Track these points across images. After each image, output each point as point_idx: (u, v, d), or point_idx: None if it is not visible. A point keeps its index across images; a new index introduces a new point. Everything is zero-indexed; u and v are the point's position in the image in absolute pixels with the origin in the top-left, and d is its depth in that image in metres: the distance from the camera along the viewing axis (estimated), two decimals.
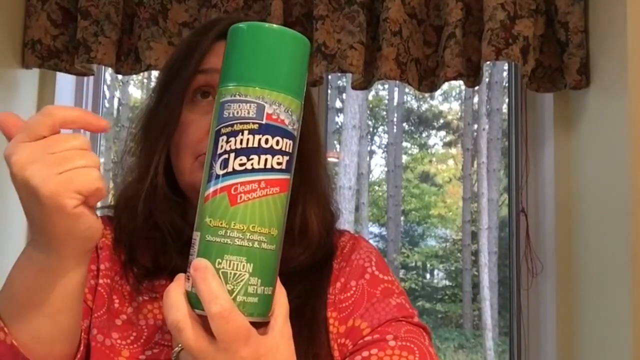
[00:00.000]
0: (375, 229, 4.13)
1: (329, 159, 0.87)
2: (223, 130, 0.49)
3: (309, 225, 0.73)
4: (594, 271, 1.45)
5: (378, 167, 4.26)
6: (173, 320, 0.47)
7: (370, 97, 4.27)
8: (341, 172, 3.75)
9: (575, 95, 1.53)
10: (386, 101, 4.34)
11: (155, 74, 1.73)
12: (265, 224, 0.48)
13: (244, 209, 0.48)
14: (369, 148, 4.13)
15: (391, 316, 0.69)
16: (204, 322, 0.47)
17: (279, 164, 0.49)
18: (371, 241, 1.13)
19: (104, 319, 0.69)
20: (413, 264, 4.22)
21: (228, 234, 0.48)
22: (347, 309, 0.72)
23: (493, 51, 1.42)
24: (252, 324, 0.47)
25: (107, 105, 3.37)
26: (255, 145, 0.48)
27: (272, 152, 0.49)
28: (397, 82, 1.48)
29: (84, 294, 0.61)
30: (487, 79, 3.79)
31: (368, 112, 4.23)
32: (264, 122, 0.49)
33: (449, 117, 4.39)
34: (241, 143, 0.48)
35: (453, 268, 4.20)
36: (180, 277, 0.50)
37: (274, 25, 0.51)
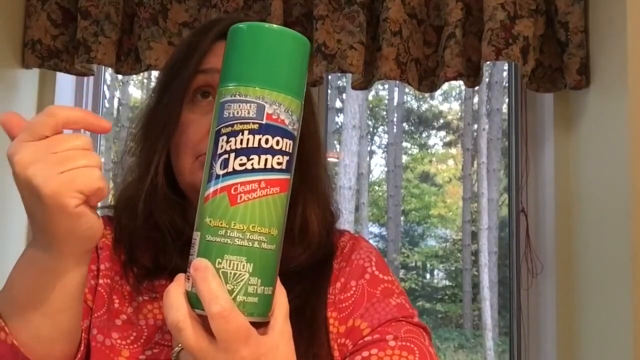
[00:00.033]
0: (375, 229, 4.13)
1: (329, 159, 0.87)
2: (223, 130, 0.49)
3: (309, 225, 0.73)
4: (594, 271, 1.45)
5: (378, 167, 4.26)
6: (173, 320, 0.47)
7: (370, 97, 4.27)
8: (341, 172, 3.75)
9: (575, 95, 1.53)
10: (386, 101, 4.34)
11: (155, 74, 1.73)
12: (265, 224, 0.49)
13: (244, 209, 0.48)
14: (369, 148, 4.13)
15: (391, 316, 0.69)
16: (204, 322, 0.47)
17: (279, 164, 0.49)
18: (371, 241, 1.13)
19: (104, 319, 0.69)
20: (413, 264, 4.22)
21: (228, 234, 0.48)
22: (347, 309, 0.72)
23: (493, 51, 1.42)
24: (252, 323, 0.47)
25: (107, 105, 3.38)
26: (256, 145, 0.48)
27: (272, 152, 0.49)
28: (397, 82, 1.48)
29: (84, 294, 0.61)
30: (487, 79, 3.79)
31: (368, 112, 4.23)
32: (264, 122, 0.49)
33: (449, 117, 4.39)
34: (241, 143, 0.48)
35: (453, 268, 4.20)
36: (180, 277, 0.50)
37: (274, 26, 0.51)
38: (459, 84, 1.83)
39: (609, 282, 1.37)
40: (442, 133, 4.46)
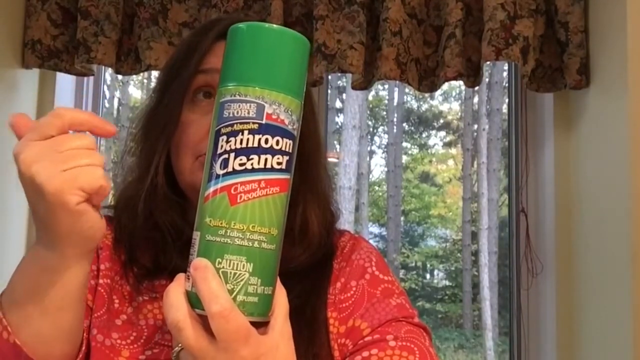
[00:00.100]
0: (375, 229, 4.14)
1: (329, 159, 0.87)
2: (223, 130, 0.49)
3: (309, 225, 0.73)
4: (594, 271, 1.45)
5: (378, 167, 4.27)
6: (173, 319, 0.47)
7: (370, 97, 4.28)
8: (341, 172, 3.75)
9: (575, 95, 1.53)
10: (386, 101, 4.34)
11: (155, 74, 1.73)
12: (265, 224, 0.49)
13: (244, 208, 0.48)
14: (369, 148, 4.14)
15: (391, 316, 0.69)
16: (204, 322, 0.47)
17: (279, 163, 0.49)
18: (371, 241, 1.13)
19: (104, 319, 0.69)
20: (413, 264, 4.22)
21: (228, 234, 0.48)
22: (347, 309, 0.72)
23: (493, 51, 1.42)
24: (252, 323, 0.47)
25: (107, 105, 3.38)
26: (255, 145, 0.48)
27: (272, 151, 0.49)
28: (397, 82, 1.48)
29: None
30: (487, 79, 3.79)
31: (368, 112, 4.23)
32: (263, 122, 0.49)
33: (449, 117, 4.39)
34: (241, 143, 0.48)
35: (453, 268, 4.20)
36: (180, 276, 0.50)
37: (274, 26, 0.51)
38: (459, 84, 1.83)
39: (609, 282, 1.37)
40: (442, 133, 4.47)
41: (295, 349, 0.52)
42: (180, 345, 0.49)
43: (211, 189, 0.49)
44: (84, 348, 0.65)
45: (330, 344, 0.70)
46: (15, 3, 1.52)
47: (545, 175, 1.63)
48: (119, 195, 0.76)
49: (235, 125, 0.49)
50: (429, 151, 4.52)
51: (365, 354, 0.66)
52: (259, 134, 0.48)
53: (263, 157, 0.48)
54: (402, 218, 4.18)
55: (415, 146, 4.56)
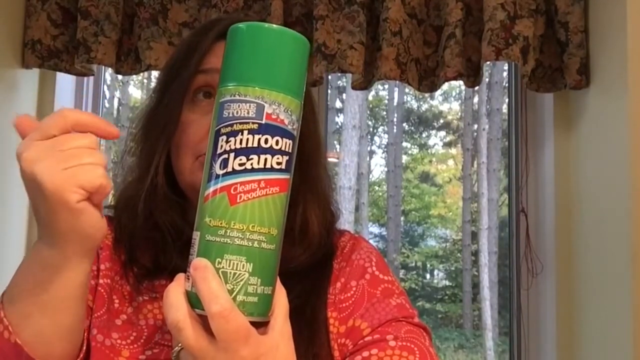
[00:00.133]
0: (375, 229, 4.14)
1: (329, 159, 0.87)
2: (223, 130, 0.49)
3: (309, 225, 0.73)
4: (594, 271, 1.45)
5: (378, 167, 4.27)
6: (173, 319, 0.47)
7: (370, 97, 4.28)
8: (341, 172, 3.75)
9: (575, 95, 1.53)
10: (386, 101, 4.34)
11: (155, 74, 1.73)
12: (265, 224, 0.49)
13: (244, 208, 0.48)
14: (369, 148, 4.14)
15: (391, 316, 0.69)
16: (204, 322, 0.47)
17: (278, 163, 0.49)
18: (371, 241, 1.13)
19: (104, 319, 0.69)
20: (413, 264, 4.22)
21: (228, 234, 0.48)
22: (348, 309, 0.72)
23: (493, 51, 1.42)
24: (252, 323, 0.48)
25: (107, 105, 3.38)
26: (255, 145, 0.48)
27: (271, 151, 0.49)
28: (397, 82, 1.48)
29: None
30: (487, 79, 3.79)
31: (368, 112, 4.23)
32: (263, 122, 0.49)
33: (449, 117, 4.39)
34: (241, 143, 0.48)
35: (453, 268, 4.20)
36: (180, 276, 0.50)
37: (274, 26, 0.51)
38: (459, 84, 1.83)
39: (609, 282, 1.37)
40: (442, 133, 4.47)
41: (295, 349, 0.52)
42: (180, 345, 0.49)
43: (211, 189, 0.49)
44: (85, 348, 0.65)
45: (330, 344, 0.70)
46: (15, 3, 1.52)
47: (545, 175, 1.63)
48: (119, 195, 0.76)
49: (235, 125, 0.49)
50: (429, 151, 4.52)
51: (365, 354, 0.66)
52: (258, 134, 0.48)
53: (263, 157, 0.48)
54: (402, 218, 4.18)
55: (415, 146, 4.56)
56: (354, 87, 1.54)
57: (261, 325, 0.50)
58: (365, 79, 1.51)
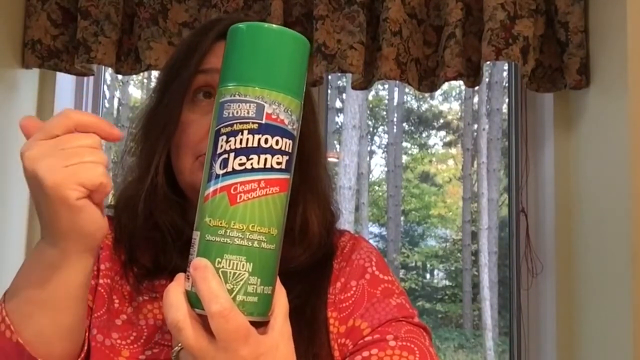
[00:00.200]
0: (375, 229, 4.14)
1: (329, 159, 0.87)
2: (223, 130, 0.49)
3: (309, 225, 0.73)
4: (594, 271, 1.45)
5: (378, 167, 4.27)
6: (173, 319, 0.47)
7: (370, 97, 4.28)
8: (341, 172, 3.75)
9: (575, 95, 1.53)
10: (386, 101, 4.34)
11: (155, 74, 1.73)
12: (265, 224, 0.49)
13: (244, 208, 0.48)
14: (369, 148, 4.14)
15: (391, 316, 0.69)
16: (203, 322, 0.47)
17: (278, 163, 0.49)
18: (371, 241, 1.13)
19: (104, 319, 0.69)
20: (413, 264, 4.22)
21: (228, 234, 0.48)
22: (348, 309, 0.72)
23: (493, 51, 1.42)
24: (252, 323, 0.48)
25: (107, 105, 3.38)
26: (255, 145, 0.48)
27: (271, 151, 0.49)
28: (397, 82, 1.48)
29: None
30: (487, 79, 3.79)
31: (368, 112, 4.23)
32: (263, 121, 0.49)
33: (449, 117, 4.39)
34: (241, 143, 0.48)
35: (453, 268, 4.20)
36: (180, 276, 0.50)
37: (274, 26, 0.51)
38: (459, 84, 1.83)
39: (609, 282, 1.37)
40: (442, 133, 4.47)
41: (295, 348, 0.52)
42: (180, 345, 0.49)
43: (211, 189, 0.49)
44: (86, 347, 0.65)
45: (330, 343, 0.70)
46: (15, 3, 1.52)
47: (545, 175, 1.63)
48: (119, 195, 0.76)
49: (235, 125, 0.49)
50: (429, 151, 4.52)
51: (366, 353, 0.66)
52: (258, 133, 0.48)
53: (263, 157, 0.48)
54: (402, 218, 4.18)
55: (415, 146, 4.56)
56: (354, 87, 1.54)
57: (261, 325, 0.50)
58: (365, 79, 1.51)
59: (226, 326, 0.45)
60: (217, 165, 0.49)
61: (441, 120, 4.38)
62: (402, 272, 4.12)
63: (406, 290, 0.76)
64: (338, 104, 3.97)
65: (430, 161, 4.50)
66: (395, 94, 4.17)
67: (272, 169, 0.49)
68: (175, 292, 0.48)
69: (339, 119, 3.97)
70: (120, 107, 3.80)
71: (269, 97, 0.49)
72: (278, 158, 0.49)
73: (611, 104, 1.38)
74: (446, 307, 4.06)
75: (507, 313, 1.84)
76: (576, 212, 1.53)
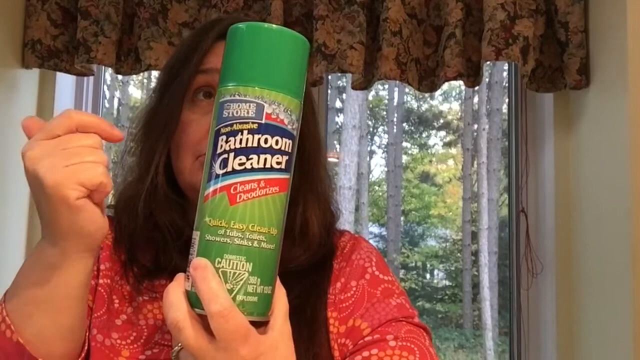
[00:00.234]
0: (375, 229, 4.13)
1: (329, 159, 0.87)
2: (222, 130, 0.49)
3: (310, 225, 0.73)
4: (594, 271, 1.45)
5: (378, 167, 4.26)
6: (173, 319, 0.47)
7: (370, 97, 4.28)
8: (341, 172, 3.75)
9: (575, 95, 1.53)
10: (386, 101, 4.34)
11: (155, 74, 1.73)
12: (265, 224, 0.49)
13: (244, 208, 0.48)
14: (369, 148, 4.14)
15: (391, 316, 0.70)
16: (203, 322, 0.47)
17: (278, 163, 0.49)
18: (371, 241, 1.13)
19: (103, 319, 0.69)
20: (413, 264, 4.22)
21: (227, 234, 0.48)
22: (348, 309, 0.72)
23: (493, 51, 1.42)
24: (252, 323, 0.48)
25: (107, 105, 3.38)
26: (255, 144, 0.48)
27: (271, 151, 0.49)
28: (397, 82, 1.48)
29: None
30: (487, 79, 3.79)
31: (368, 112, 4.23)
32: (263, 121, 0.49)
33: (449, 117, 4.39)
34: (240, 143, 0.48)
35: (453, 268, 4.20)
36: (180, 276, 0.50)
37: (273, 26, 0.51)
38: (459, 84, 1.83)
39: (609, 282, 1.37)
40: (442, 133, 4.46)
41: (295, 348, 0.52)
42: (180, 344, 0.49)
43: (211, 189, 0.49)
44: (86, 347, 0.65)
45: (330, 343, 0.70)
46: (15, 3, 1.52)
47: (545, 175, 1.63)
48: (119, 195, 0.76)
49: (234, 125, 0.49)
50: (429, 151, 4.52)
51: (366, 353, 0.66)
52: (258, 133, 0.48)
53: (262, 156, 0.48)
54: (402, 218, 4.17)
55: (415, 146, 4.56)
56: (354, 87, 1.54)
57: (261, 324, 0.50)
58: (365, 79, 1.51)
59: (226, 326, 0.45)
60: (216, 165, 0.49)
61: (441, 120, 4.38)
62: (402, 272, 4.12)
63: (406, 290, 0.76)
64: (338, 104, 3.97)
65: (430, 161, 4.49)
66: (395, 94, 4.17)
67: (271, 169, 0.49)
68: (175, 292, 0.48)
69: (339, 119, 3.97)
70: (120, 107, 3.80)
71: (268, 97, 0.49)
72: (278, 158, 0.49)
73: (611, 104, 1.38)
74: (446, 307, 4.06)
75: (507, 313, 1.84)
76: (576, 212, 1.53)
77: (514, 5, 1.44)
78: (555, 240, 1.57)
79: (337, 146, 3.91)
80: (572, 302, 1.53)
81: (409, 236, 4.25)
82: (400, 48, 1.46)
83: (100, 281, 0.72)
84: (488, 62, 1.45)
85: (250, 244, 0.48)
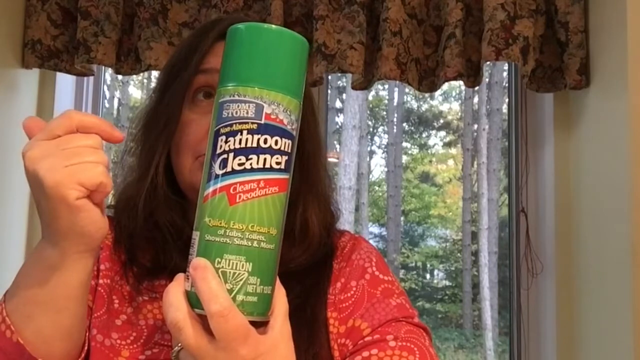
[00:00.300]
0: (375, 229, 4.13)
1: (329, 159, 0.87)
2: (222, 130, 0.49)
3: (310, 225, 0.73)
4: (594, 271, 1.45)
5: (378, 167, 4.26)
6: (173, 319, 0.47)
7: (370, 97, 4.27)
8: (341, 172, 3.75)
9: (575, 95, 1.53)
10: (386, 101, 4.34)
11: (155, 74, 1.73)
12: (264, 224, 0.49)
13: (243, 208, 0.48)
14: (369, 148, 4.13)
15: (391, 316, 0.70)
16: (203, 322, 0.47)
17: (277, 163, 0.49)
18: (371, 241, 1.13)
19: (103, 319, 0.69)
20: (413, 264, 4.22)
21: (227, 234, 0.48)
22: (347, 309, 0.72)
23: (493, 51, 1.42)
24: (252, 323, 0.48)
25: (107, 105, 3.38)
26: (254, 145, 0.48)
27: (270, 151, 0.49)
28: (397, 82, 1.48)
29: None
30: (487, 79, 3.79)
31: (368, 112, 4.23)
32: (262, 122, 0.49)
33: (449, 117, 4.39)
34: (240, 143, 0.48)
35: (453, 268, 4.20)
36: (180, 276, 0.50)
37: (273, 26, 0.51)
38: (459, 84, 1.83)
39: (609, 282, 1.37)
40: (442, 133, 4.46)
41: (295, 348, 0.52)
42: (179, 344, 0.49)
43: (210, 189, 0.49)
44: (86, 348, 0.65)
45: (330, 344, 0.70)
46: (15, 3, 1.52)
47: (545, 175, 1.63)
48: (119, 195, 0.76)
49: (234, 125, 0.49)
50: (429, 151, 4.52)
51: (365, 354, 0.66)
52: (257, 134, 0.48)
53: (262, 157, 0.48)
54: (402, 218, 4.17)
55: (415, 146, 4.56)
56: (354, 87, 1.54)
57: (261, 324, 0.50)
58: (365, 79, 1.51)
59: (226, 326, 0.45)
60: (216, 165, 0.49)
61: (441, 121, 4.38)
62: (402, 272, 4.12)
63: (406, 290, 0.76)
64: (338, 104, 3.97)
65: (430, 161, 4.49)
66: (395, 94, 4.17)
67: (271, 169, 0.49)
68: (175, 292, 0.48)
69: (339, 119, 3.97)
70: (120, 107, 3.80)
71: (268, 97, 0.49)
72: (277, 158, 0.49)
73: (611, 104, 1.38)
74: (446, 307, 4.06)
75: (507, 313, 1.84)
76: (576, 212, 1.53)
77: (514, 5, 1.44)
78: (555, 240, 1.57)
79: (337, 146, 3.91)
80: (572, 302, 1.53)
81: (409, 236, 4.25)
82: (400, 48, 1.46)
83: (100, 281, 0.72)
84: (488, 62, 1.45)
85: (250, 244, 0.48)
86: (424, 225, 4.33)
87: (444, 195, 4.43)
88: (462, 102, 4.21)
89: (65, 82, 1.66)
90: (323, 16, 1.47)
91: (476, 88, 1.55)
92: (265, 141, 0.49)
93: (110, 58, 1.50)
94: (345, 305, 0.72)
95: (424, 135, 4.54)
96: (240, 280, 0.48)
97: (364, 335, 0.68)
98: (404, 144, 4.38)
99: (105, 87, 1.93)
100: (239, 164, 0.48)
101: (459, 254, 4.08)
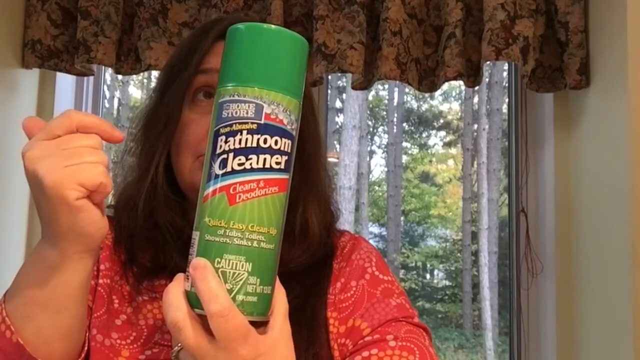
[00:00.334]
0: (375, 229, 4.13)
1: (329, 159, 0.87)
2: (222, 130, 0.49)
3: (310, 225, 0.73)
4: (594, 271, 1.45)
5: (378, 167, 4.26)
6: (172, 319, 0.47)
7: (370, 97, 4.27)
8: (341, 172, 3.75)
9: (575, 95, 1.53)
10: (386, 101, 4.34)
11: (155, 74, 1.73)
12: (264, 224, 0.49)
13: (243, 208, 0.48)
14: (369, 148, 4.13)
15: (391, 316, 0.70)
16: (203, 322, 0.47)
17: (277, 163, 0.49)
18: (371, 241, 1.13)
19: (103, 319, 0.69)
20: (413, 264, 4.22)
21: (227, 234, 0.48)
22: (347, 309, 0.72)
23: (493, 51, 1.42)
24: (252, 323, 0.48)
25: (107, 105, 3.38)
26: (254, 145, 0.48)
27: (270, 151, 0.49)
28: (397, 82, 1.48)
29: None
30: (487, 79, 3.79)
31: (368, 112, 4.23)
32: (262, 122, 0.49)
33: (449, 117, 4.39)
34: (240, 143, 0.48)
35: (453, 268, 4.20)
36: (180, 276, 0.50)
37: (272, 26, 0.51)
38: (459, 84, 1.83)
39: (609, 282, 1.37)
40: (442, 133, 4.46)
41: (295, 348, 0.52)
42: (179, 344, 0.49)
43: (210, 189, 0.49)
44: (86, 348, 0.65)
45: (330, 343, 0.70)
46: (15, 3, 1.52)
47: (545, 175, 1.63)
48: (119, 195, 0.76)
49: (234, 125, 0.49)
50: (429, 151, 4.52)
51: (365, 354, 0.66)
52: (257, 134, 0.48)
53: (262, 157, 0.48)
54: (402, 218, 4.17)
55: (415, 146, 4.56)
56: (354, 87, 1.54)
57: (261, 324, 0.50)
58: (365, 79, 1.51)
59: (225, 326, 0.45)
60: (216, 165, 0.49)
61: (441, 120, 4.38)
62: (402, 272, 4.12)
63: (406, 290, 0.76)
64: (338, 104, 3.97)
65: (430, 161, 4.49)
66: (395, 94, 4.17)
67: (271, 169, 0.49)
68: (174, 292, 0.48)
69: (339, 119, 3.97)
70: (120, 107, 3.80)
71: (267, 97, 0.49)
72: (277, 158, 0.49)
73: (611, 104, 1.38)
74: (446, 307, 4.06)
75: (507, 313, 1.84)
76: (576, 212, 1.53)
77: (514, 5, 1.44)
78: (555, 240, 1.57)
79: (337, 146, 3.91)
80: (572, 302, 1.53)
81: (409, 236, 4.25)
82: (400, 48, 1.46)
83: (100, 281, 0.72)
84: (488, 62, 1.45)
85: (250, 244, 0.48)
86: (424, 225, 4.33)
87: (444, 195, 4.43)
88: (462, 102, 4.21)
89: (65, 82, 1.66)
90: (323, 16, 1.47)
91: (476, 88, 1.55)
92: (265, 141, 0.49)
93: (110, 58, 1.50)
94: (345, 305, 0.72)
95: (424, 135, 4.54)
96: (240, 280, 0.48)
97: (364, 335, 0.69)
98: (404, 144, 4.38)
99: (105, 87, 1.93)
100: (239, 164, 0.48)
101: (459, 254, 4.08)
